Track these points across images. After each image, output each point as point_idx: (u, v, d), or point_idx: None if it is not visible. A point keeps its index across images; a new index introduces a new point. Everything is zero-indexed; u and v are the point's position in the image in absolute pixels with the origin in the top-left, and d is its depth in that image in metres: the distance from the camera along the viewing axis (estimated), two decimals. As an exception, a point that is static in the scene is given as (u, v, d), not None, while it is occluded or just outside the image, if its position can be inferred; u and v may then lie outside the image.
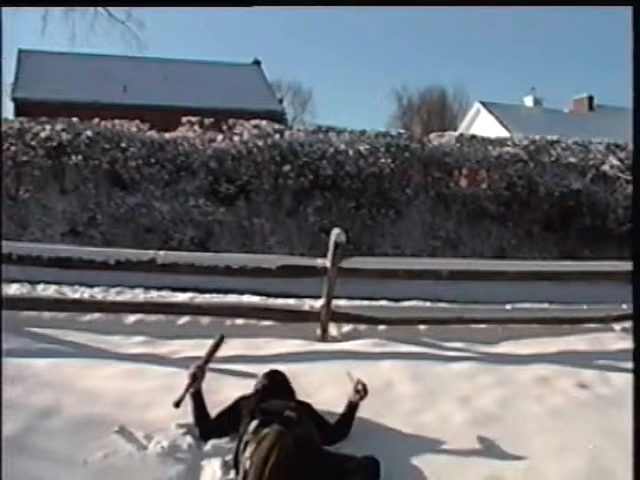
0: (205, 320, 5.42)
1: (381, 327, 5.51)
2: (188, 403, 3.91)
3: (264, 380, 3.90)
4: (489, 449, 3.71)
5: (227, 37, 59.03)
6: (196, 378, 3.66)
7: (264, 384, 3.85)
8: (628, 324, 5.56)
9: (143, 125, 10.52)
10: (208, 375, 3.97)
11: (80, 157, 9.50)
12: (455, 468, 3.50)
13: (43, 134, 9.56)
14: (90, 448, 3.37)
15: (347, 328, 5.53)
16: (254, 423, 3.30)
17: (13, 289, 5.99)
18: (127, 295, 6.28)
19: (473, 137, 11.90)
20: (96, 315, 5.37)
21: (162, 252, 5.47)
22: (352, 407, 3.76)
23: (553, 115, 26.56)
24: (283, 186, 10.08)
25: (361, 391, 3.76)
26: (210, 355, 3.85)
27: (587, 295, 6.37)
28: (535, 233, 10.81)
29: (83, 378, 4.21)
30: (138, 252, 5.66)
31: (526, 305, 6.20)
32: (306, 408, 3.66)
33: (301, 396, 3.86)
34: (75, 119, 10.24)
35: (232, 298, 5.99)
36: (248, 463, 3.07)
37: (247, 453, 3.13)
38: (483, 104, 27.83)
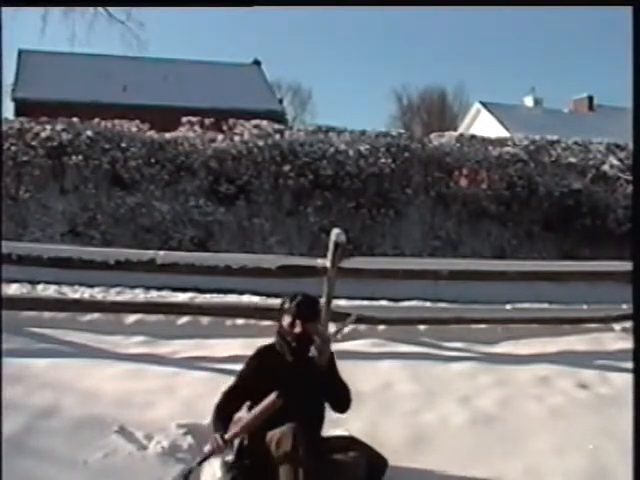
0: (205, 320, 5.42)
1: (381, 327, 5.50)
2: (189, 404, 3.92)
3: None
4: (489, 449, 3.71)
5: (227, 37, 59.12)
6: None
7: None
8: (628, 324, 5.55)
9: (143, 125, 10.52)
10: (207, 376, 3.95)
11: (80, 157, 9.50)
12: (455, 468, 3.50)
13: (43, 134, 9.56)
14: (90, 448, 3.37)
15: (347, 328, 5.51)
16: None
17: (13, 289, 5.99)
18: (127, 295, 6.29)
19: (473, 137, 11.90)
20: (96, 315, 5.36)
21: (162, 252, 5.47)
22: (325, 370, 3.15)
23: (553, 115, 26.52)
24: (283, 186, 10.08)
25: (320, 348, 3.11)
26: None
27: (587, 295, 6.37)
28: (535, 233, 10.81)
29: (83, 378, 4.21)
30: (138, 252, 5.66)
31: (526, 305, 6.20)
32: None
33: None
34: (75, 119, 10.24)
35: (232, 298, 5.98)
36: None
37: None
38: (483, 104, 27.81)
